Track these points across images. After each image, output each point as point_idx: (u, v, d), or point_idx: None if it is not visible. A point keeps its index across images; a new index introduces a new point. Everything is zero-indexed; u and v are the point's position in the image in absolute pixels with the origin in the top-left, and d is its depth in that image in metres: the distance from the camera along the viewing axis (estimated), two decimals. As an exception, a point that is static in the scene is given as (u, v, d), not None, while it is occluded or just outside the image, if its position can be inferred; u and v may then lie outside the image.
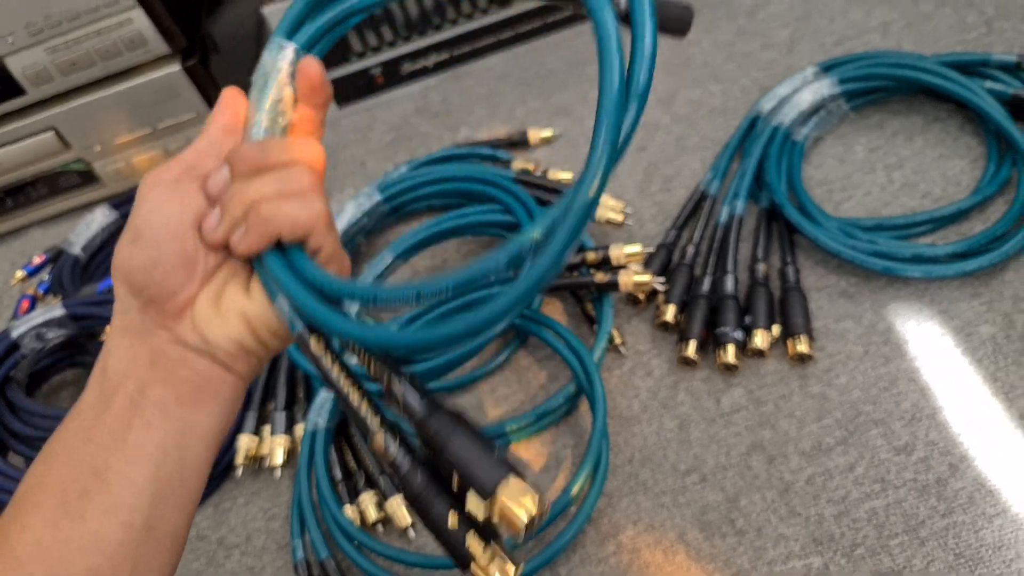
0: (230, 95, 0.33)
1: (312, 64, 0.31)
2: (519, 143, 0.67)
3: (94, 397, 0.30)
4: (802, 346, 0.47)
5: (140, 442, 0.29)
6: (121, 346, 0.30)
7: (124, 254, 0.30)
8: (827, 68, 0.59)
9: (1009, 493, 0.40)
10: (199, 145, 0.31)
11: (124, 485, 0.28)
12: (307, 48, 0.32)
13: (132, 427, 0.29)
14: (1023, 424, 0.42)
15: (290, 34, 0.32)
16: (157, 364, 0.30)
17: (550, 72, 0.73)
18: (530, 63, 0.74)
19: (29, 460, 0.55)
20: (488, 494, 0.25)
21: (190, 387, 0.30)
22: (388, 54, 0.73)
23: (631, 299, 0.53)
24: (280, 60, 0.32)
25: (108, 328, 0.32)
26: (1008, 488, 0.40)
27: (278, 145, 0.30)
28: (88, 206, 0.75)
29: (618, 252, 0.51)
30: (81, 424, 0.30)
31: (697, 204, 0.57)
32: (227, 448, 0.53)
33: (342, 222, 0.59)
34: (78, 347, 0.61)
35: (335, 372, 0.29)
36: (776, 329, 0.48)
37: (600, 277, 0.50)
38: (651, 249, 0.53)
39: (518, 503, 0.24)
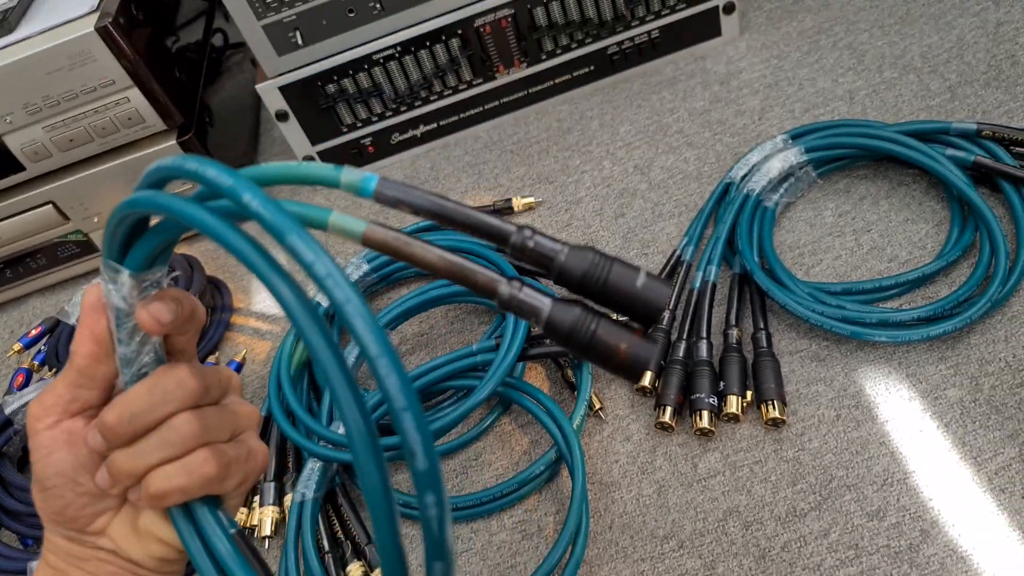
0: (88, 311, 0.30)
1: (159, 311, 0.29)
2: (503, 210, 0.69)
3: None
4: (774, 412, 0.48)
5: None
6: (52, 567, 0.31)
7: (37, 500, 0.31)
8: (795, 136, 0.62)
9: (980, 558, 0.41)
10: (69, 377, 0.30)
11: None
12: (144, 266, 0.29)
13: None
14: (992, 488, 0.43)
15: (120, 258, 0.29)
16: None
17: (533, 140, 0.76)
18: (514, 132, 0.77)
19: (21, 536, 0.56)
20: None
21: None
22: (378, 125, 0.76)
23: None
24: (118, 292, 0.29)
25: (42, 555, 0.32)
26: (979, 554, 0.41)
27: (147, 400, 0.29)
28: (87, 275, 0.77)
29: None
30: None
31: (673, 269, 0.59)
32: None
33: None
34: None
35: None
36: (749, 394, 0.50)
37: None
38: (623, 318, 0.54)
39: None
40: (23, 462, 0.61)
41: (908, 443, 0.46)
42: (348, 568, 0.49)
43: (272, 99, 0.71)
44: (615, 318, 0.26)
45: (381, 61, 0.70)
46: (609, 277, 0.26)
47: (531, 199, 0.69)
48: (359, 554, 0.50)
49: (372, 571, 0.48)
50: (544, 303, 0.25)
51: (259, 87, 0.70)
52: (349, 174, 0.25)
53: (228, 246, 0.25)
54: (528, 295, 0.25)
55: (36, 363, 0.68)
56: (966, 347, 0.49)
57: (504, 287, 0.25)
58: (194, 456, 0.29)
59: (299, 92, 0.71)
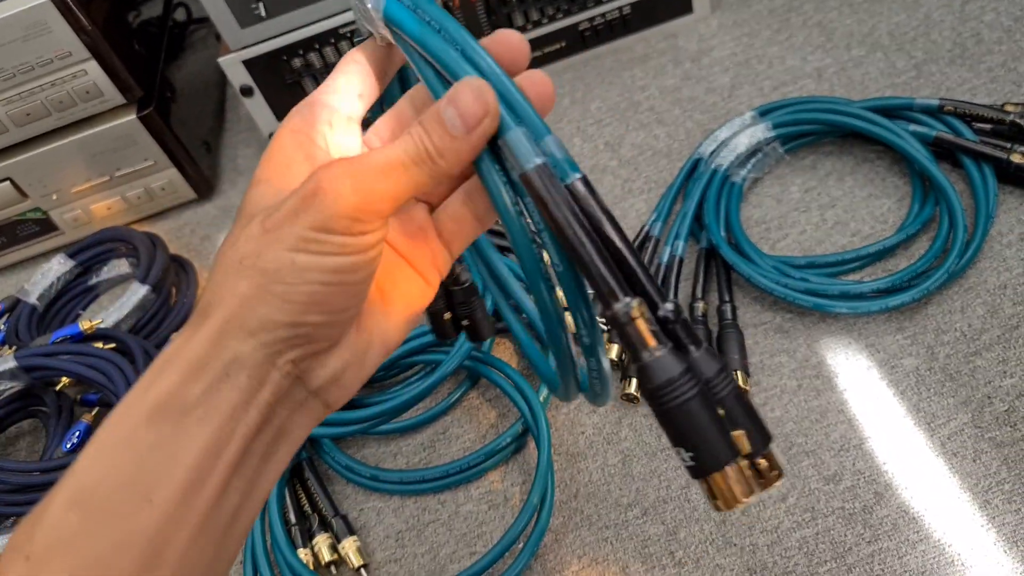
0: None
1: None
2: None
3: (155, 434, 0.23)
4: (738, 381, 0.49)
5: (209, 510, 0.23)
6: (217, 378, 0.23)
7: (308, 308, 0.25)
8: (763, 113, 0.63)
9: (931, 520, 0.42)
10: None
11: (180, 568, 0.23)
12: None
13: (205, 488, 0.23)
14: (944, 452, 0.44)
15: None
16: (258, 406, 0.24)
17: (503, 116, 0.75)
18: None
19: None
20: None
21: (283, 433, 0.25)
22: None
23: (576, 338, 0.55)
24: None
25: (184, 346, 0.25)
26: (930, 515, 0.42)
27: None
28: (47, 254, 0.76)
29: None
30: (141, 471, 0.22)
31: (641, 245, 0.59)
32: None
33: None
34: (33, 397, 0.61)
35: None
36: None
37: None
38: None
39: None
40: (-17, 441, 0.61)
41: (865, 410, 0.47)
42: (315, 540, 0.49)
43: (236, 73, 0.70)
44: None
45: (348, 35, 0.69)
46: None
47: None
48: (326, 526, 0.50)
49: (339, 543, 0.48)
50: (657, 346, 0.23)
51: (222, 60, 0.69)
52: (517, 136, 0.24)
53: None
54: (641, 328, 0.23)
55: (-5, 342, 0.67)
56: (923, 317, 0.50)
57: (621, 305, 0.23)
58: None
59: (264, 66, 0.70)
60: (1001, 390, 0.45)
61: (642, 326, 0.23)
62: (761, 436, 0.24)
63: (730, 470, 0.23)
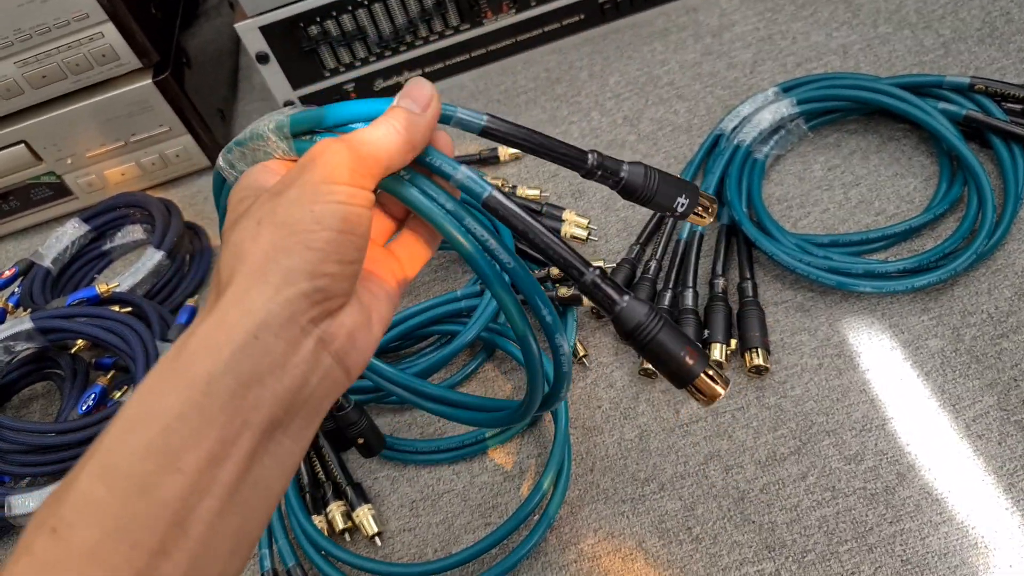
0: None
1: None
2: (489, 160, 0.68)
3: (183, 403, 0.23)
4: (758, 359, 0.48)
5: (236, 480, 0.23)
6: (243, 338, 0.24)
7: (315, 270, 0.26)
8: (787, 89, 0.61)
9: (955, 501, 0.42)
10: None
11: (208, 538, 0.22)
12: None
13: (231, 457, 0.23)
14: (969, 435, 0.44)
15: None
16: (288, 370, 0.24)
17: (521, 90, 0.74)
18: (501, 81, 0.76)
19: (-5, 473, 0.55)
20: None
21: (313, 403, 0.26)
22: (361, 71, 0.74)
23: (595, 312, 0.54)
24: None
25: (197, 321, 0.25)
26: (954, 496, 0.42)
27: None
28: (61, 218, 0.75)
29: (569, 217, 0.52)
30: (167, 441, 0.22)
31: (660, 220, 0.58)
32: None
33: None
34: (47, 360, 0.61)
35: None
36: (734, 343, 0.50)
37: (563, 292, 0.51)
38: (612, 265, 0.54)
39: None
40: (0, 398, 0.61)
41: (888, 391, 0.46)
42: (329, 507, 0.49)
43: (252, 39, 0.69)
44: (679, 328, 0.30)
45: (366, 2, 0.68)
46: (657, 186, 0.32)
47: (518, 149, 0.68)
48: (340, 494, 0.50)
49: (353, 510, 0.48)
50: (620, 298, 0.29)
51: (238, 26, 0.68)
52: (462, 112, 0.29)
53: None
54: (606, 288, 0.29)
55: (11, 304, 0.67)
56: (949, 299, 0.49)
57: (589, 274, 0.29)
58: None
59: (280, 33, 0.69)
60: (1027, 373, 0.45)
61: (607, 286, 0.29)
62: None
63: (704, 376, 0.29)
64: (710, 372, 0.29)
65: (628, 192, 0.31)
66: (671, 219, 0.58)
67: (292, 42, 0.70)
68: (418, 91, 0.29)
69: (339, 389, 0.27)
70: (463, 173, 0.29)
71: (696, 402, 0.29)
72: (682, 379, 0.29)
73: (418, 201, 0.29)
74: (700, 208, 0.33)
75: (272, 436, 0.24)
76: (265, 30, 0.69)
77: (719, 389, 0.29)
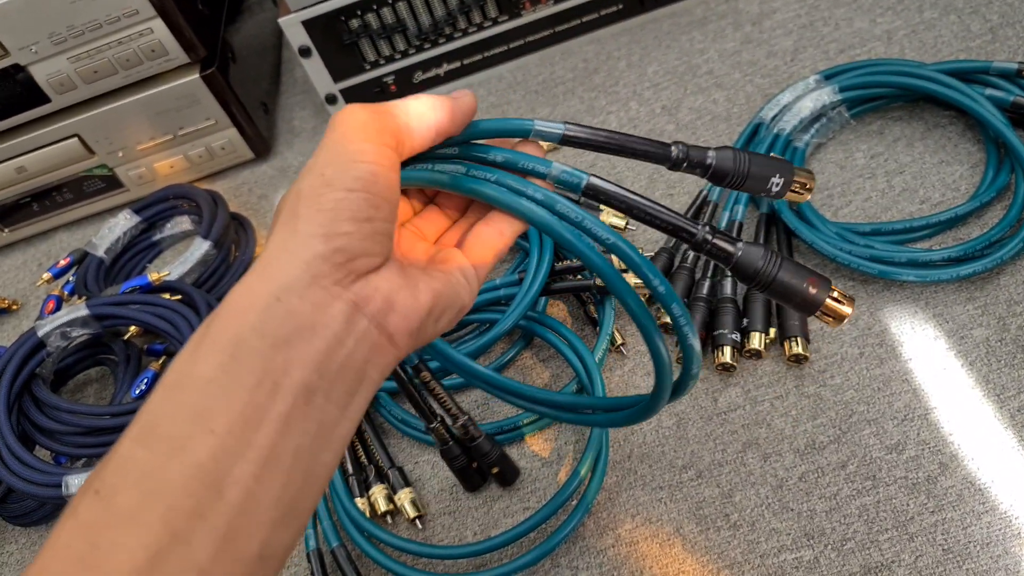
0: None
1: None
2: (527, 149, 0.68)
3: (214, 367, 0.23)
4: (798, 348, 0.48)
5: (272, 445, 0.23)
6: (266, 301, 0.24)
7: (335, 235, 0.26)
8: (829, 76, 0.61)
9: (998, 491, 0.41)
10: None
11: (246, 504, 0.22)
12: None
13: (265, 421, 0.23)
14: (1013, 425, 0.43)
15: None
16: (318, 331, 0.24)
17: (559, 81, 0.75)
18: (539, 72, 0.76)
19: (55, 453, 0.58)
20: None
21: (352, 368, 0.25)
22: (401, 63, 0.75)
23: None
24: None
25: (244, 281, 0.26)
26: (997, 486, 0.41)
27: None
28: (112, 210, 0.78)
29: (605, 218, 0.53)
30: (200, 404, 0.23)
31: (699, 209, 0.58)
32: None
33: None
34: (101, 346, 0.63)
35: None
36: (773, 331, 0.50)
37: (600, 281, 0.51)
38: (651, 253, 0.54)
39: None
40: (56, 384, 0.63)
41: (931, 380, 0.46)
42: (371, 490, 0.50)
43: (295, 33, 0.71)
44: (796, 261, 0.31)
45: (406, -5, 0.69)
46: (750, 168, 0.31)
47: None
48: (382, 477, 0.51)
49: (395, 493, 0.50)
50: (735, 246, 0.30)
51: (282, 20, 0.70)
52: (540, 124, 0.30)
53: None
54: (720, 241, 0.30)
55: (66, 292, 0.69)
56: (995, 288, 0.48)
57: (700, 232, 0.30)
58: None
59: (322, 27, 0.70)
60: (1076, 363, 0.44)
61: (719, 239, 0.30)
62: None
63: (830, 301, 0.30)
64: (835, 295, 0.30)
65: (718, 178, 0.31)
66: (705, 214, 0.58)
67: (334, 36, 0.71)
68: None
69: (384, 355, 0.26)
70: (558, 168, 0.30)
71: (825, 324, 0.31)
72: (809, 308, 0.30)
73: (505, 196, 0.29)
74: (797, 185, 0.32)
75: (311, 401, 0.24)
76: (308, 24, 0.70)
77: (846, 309, 0.30)
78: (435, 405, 0.47)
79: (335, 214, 0.25)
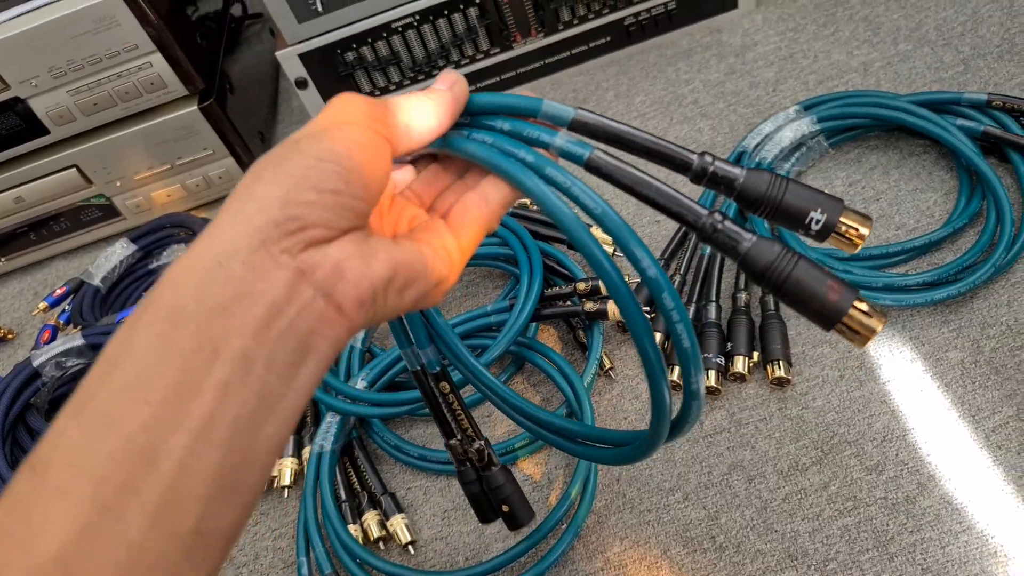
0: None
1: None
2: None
3: (151, 337, 0.22)
4: (780, 371, 0.49)
5: (209, 415, 0.22)
6: (206, 267, 0.23)
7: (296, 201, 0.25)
8: (808, 107, 0.63)
9: (974, 510, 0.42)
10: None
11: (180, 477, 0.21)
12: None
13: (201, 390, 0.22)
14: (989, 445, 0.44)
15: None
16: (257, 298, 0.23)
17: (547, 110, 0.76)
18: (528, 101, 0.78)
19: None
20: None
21: (294, 337, 0.23)
22: (397, 94, 0.77)
23: (622, 326, 0.56)
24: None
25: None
26: (973, 506, 0.42)
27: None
28: (109, 239, 0.79)
29: (606, 282, 0.54)
30: (135, 374, 0.22)
31: (684, 236, 0.60)
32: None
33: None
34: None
35: None
36: (756, 355, 0.51)
37: (589, 306, 0.53)
38: (634, 282, 0.56)
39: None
40: (51, 414, 0.64)
41: (909, 402, 0.47)
42: (364, 516, 0.51)
43: (292, 66, 0.72)
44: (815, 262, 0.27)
45: (400, 29, 0.71)
46: (784, 195, 0.27)
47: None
48: (375, 503, 0.52)
49: (387, 519, 0.50)
50: (745, 237, 0.26)
51: (279, 54, 0.72)
52: (548, 105, 0.28)
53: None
54: (730, 227, 0.26)
55: (62, 322, 0.70)
56: (969, 311, 0.50)
57: (705, 217, 0.26)
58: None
59: (319, 60, 0.72)
60: (1048, 385, 0.45)
61: (730, 225, 0.26)
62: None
63: (855, 310, 0.25)
64: (861, 306, 0.25)
65: (747, 202, 0.27)
66: (691, 240, 0.59)
67: (330, 68, 0.73)
68: (444, 75, 0.29)
69: (332, 327, 0.24)
70: (562, 138, 0.27)
71: (849, 342, 0.26)
72: (829, 319, 0.25)
73: (489, 154, 0.28)
74: (845, 227, 0.26)
75: (250, 370, 0.22)
76: (304, 57, 0.72)
77: (875, 324, 0.25)
78: (451, 422, 0.42)
79: (299, 181, 0.24)
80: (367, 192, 0.25)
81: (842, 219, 0.26)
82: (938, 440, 0.45)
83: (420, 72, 0.75)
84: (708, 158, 0.27)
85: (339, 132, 0.25)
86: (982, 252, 0.51)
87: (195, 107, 0.71)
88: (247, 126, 0.78)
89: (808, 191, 0.27)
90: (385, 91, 0.76)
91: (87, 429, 0.22)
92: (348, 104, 0.26)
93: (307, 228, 0.24)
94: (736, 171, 0.27)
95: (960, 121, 0.57)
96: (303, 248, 0.24)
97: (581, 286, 0.54)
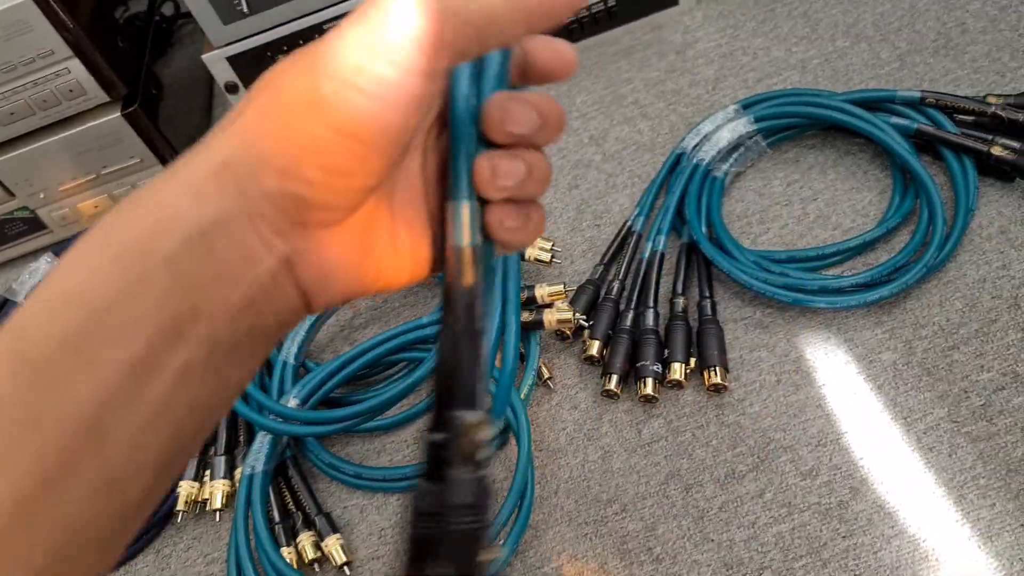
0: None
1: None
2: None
3: (113, 291, 0.19)
4: (716, 378, 0.49)
5: (162, 399, 0.20)
6: (188, 232, 0.20)
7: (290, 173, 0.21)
8: (746, 106, 0.62)
9: (906, 514, 0.42)
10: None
11: (127, 461, 0.20)
12: None
13: (162, 371, 0.20)
14: (920, 447, 0.45)
15: None
16: (240, 286, 0.20)
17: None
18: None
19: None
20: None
21: (261, 331, 0.22)
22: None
23: (561, 334, 0.55)
24: None
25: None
26: (905, 510, 0.43)
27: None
28: (35, 252, 0.76)
29: (542, 292, 0.53)
30: (89, 334, 0.19)
31: (623, 240, 0.59)
32: (167, 494, 0.53)
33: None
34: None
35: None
36: (693, 361, 0.51)
37: (524, 316, 0.52)
38: (572, 288, 0.55)
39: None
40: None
41: (843, 405, 0.47)
42: (298, 538, 0.49)
43: (220, 70, 0.70)
44: None
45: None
46: None
47: None
48: (309, 524, 0.50)
49: (322, 540, 0.49)
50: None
51: (205, 57, 0.69)
52: None
53: None
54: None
55: (-16, 341, 0.67)
56: (902, 311, 0.50)
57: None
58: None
59: (249, 62, 0.70)
60: (978, 384, 0.46)
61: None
62: None
63: None
64: None
65: None
66: (630, 245, 0.58)
67: (261, 70, 0.70)
68: None
69: (297, 318, 0.23)
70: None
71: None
72: None
73: None
74: None
75: (213, 356, 0.20)
76: (233, 60, 0.70)
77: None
78: None
79: (306, 154, 0.20)
80: (383, 167, 0.21)
81: None
82: (871, 443, 0.45)
83: (357, 74, 0.73)
84: None
85: (374, 85, 0.20)
86: (915, 252, 0.52)
87: (118, 114, 0.68)
88: (179, 132, 0.75)
89: None
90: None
91: (29, 391, 0.19)
92: (402, 10, 0.20)
93: (307, 210, 0.21)
94: None
95: (894, 119, 0.57)
96: (295, 230, 0.21)
97: (541, 293, 0.53)
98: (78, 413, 0.19)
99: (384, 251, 0.24)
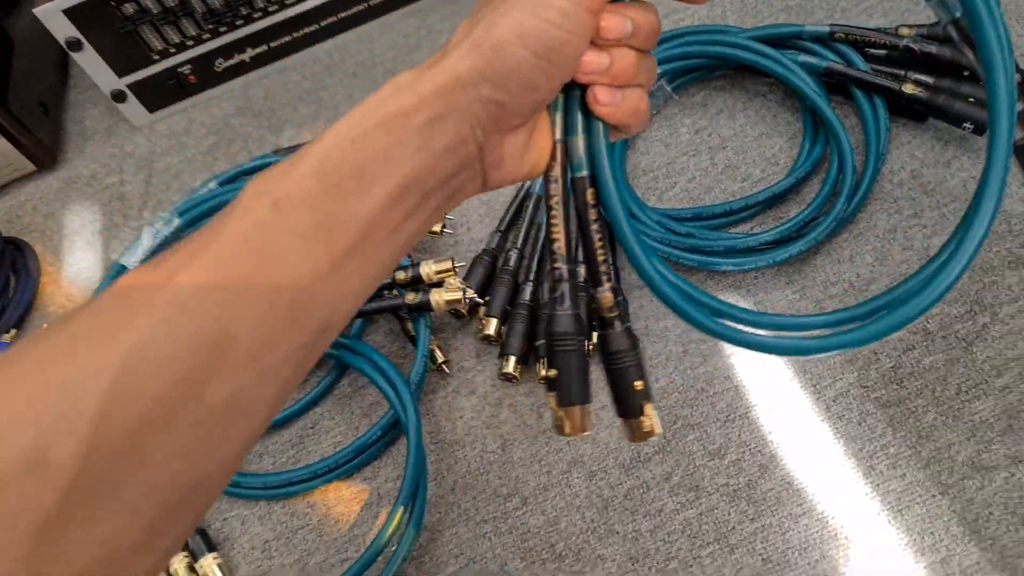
0: None
1: None
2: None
3: (387, 142, 0.26)
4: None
5: (398, 223, 0.26)
6: (415, 103, 0.26)
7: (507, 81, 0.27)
8: (649, 46, 0.57)
9: (815, 491, 0.40)
10: None
11: (369, 266, 0.26)
12: None
13: (404, 202, 0.26)
14: (830, 416, 0.42)
15: None
16: (458, 152, 0.27)
17: (379, 60, 0.68)
18: (358, 51, 0.69)
19: None
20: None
21: (446, 203, 0.28)
22: (196, 50, 0.66)
23: (456, 313, 0.50)
24: None
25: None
26: (814, 486, 0.40)
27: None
28: None
29: (428, 269, 0.48)
30: (366, 169, 0.25)
31: (521, 204, 0.54)
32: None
33: (137, 256, 0.53)
34: None
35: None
36: (595, 336, 0.47)
37: (411, 297, 0.47)
38: (463, 263, 0.50)
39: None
40: None
41: (751, 376, 0.44)
42: (170, 560, 0.45)
43: (57, 24, 0.61)
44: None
45: (183, -26, 0.60)
46: None
47: None
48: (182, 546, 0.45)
49: (196, 561, 0.44)
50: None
51: (38, 11, 0.59)
52: None
53: None
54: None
55: None
56: (812, 269, 0.47)
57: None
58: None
59: (91, 15, 0.61)
60: (887, 345, 0.43)
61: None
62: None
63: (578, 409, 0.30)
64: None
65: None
66: (528, 209, 0.54)
67: (106, 24, 0.62)
68: None
69: (475, 192, 0.29)
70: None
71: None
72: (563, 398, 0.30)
73: None
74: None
75: (426, 202, 0.27)
76: (71, 13, 0.60)
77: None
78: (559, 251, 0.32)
79: (512, 72, 0.26)
80: (560, 83, 0.28)
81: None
82: (779, 415, 0.43)
83: (221, 23, 0.65)
84: None
85: (559, 19, 0.26)
86: (825, 203, 0.48)
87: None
88: (22, 98, 0.66)
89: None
90: (182, 48, 0.65)
91: (328, 195, 0.25)
92: None
93: (505, 116, 0.27)
94: None
95: (803, 57, 0.53)
96: (491, 129, 0.27)
97: (400, 276, 0.48)
98: (354, 224, 0.25)
99: (540, 148, 0.30)
